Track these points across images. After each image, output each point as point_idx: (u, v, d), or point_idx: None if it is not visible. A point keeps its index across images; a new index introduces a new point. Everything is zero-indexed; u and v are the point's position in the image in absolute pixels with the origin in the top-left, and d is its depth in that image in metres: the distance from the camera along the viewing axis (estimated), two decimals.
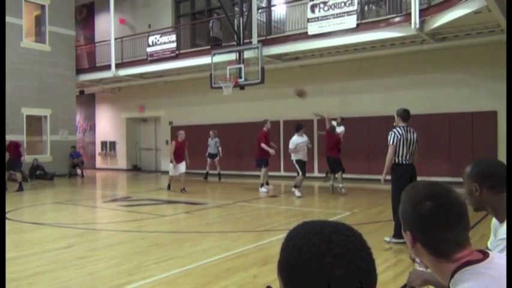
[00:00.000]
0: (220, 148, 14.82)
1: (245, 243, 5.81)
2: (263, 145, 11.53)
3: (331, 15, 12.28)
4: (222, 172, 15.05)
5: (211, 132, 14.90)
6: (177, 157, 11.77)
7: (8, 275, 4.57)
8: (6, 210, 8.79)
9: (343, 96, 14.23)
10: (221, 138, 15.19)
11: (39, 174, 16.12)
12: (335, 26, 12.23)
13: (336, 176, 10.86)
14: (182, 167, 11.82)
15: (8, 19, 16.15)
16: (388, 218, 6.29)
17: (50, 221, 7.93)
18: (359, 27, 11.95)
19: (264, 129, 11.77)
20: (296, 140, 10.58)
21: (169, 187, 12.22)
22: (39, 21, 18.05)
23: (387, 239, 5.66)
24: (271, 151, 11.55)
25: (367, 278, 0.80)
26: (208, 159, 14.87)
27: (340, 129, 11.73)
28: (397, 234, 5.43)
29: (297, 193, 10.41)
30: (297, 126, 10.77)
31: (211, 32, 15.61)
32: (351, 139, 12.86)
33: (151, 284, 4.25)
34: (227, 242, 5.99)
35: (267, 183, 12.03)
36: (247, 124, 15.70)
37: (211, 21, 15.97)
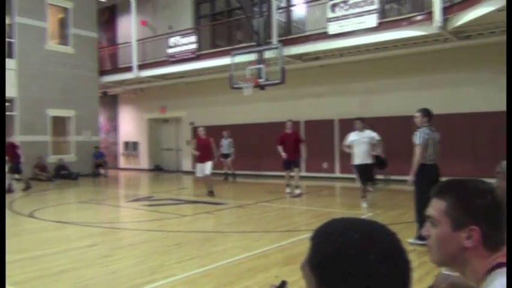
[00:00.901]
0: (233, 149, 14.89)
1: (266, 244, 5.81)
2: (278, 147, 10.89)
3: (352, 14, 12.19)
4: (241, 172, 15.11)
5: (224, 133, 15.00)
6: (200, 155, 10.82)
7: (34, 273, 4.70)
8: (33, 209, 9.01)
9: (364, 96, 14.10)
10: (241, 139, 15.25)
11: (64, 174, 16.45)
12: (355, 25, 12.14)
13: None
14: (207, 167, 10.75)
15: (33, 22, 16.56)
16: (411, 220, 6.22)
17: (75, 220, 8.09)
18: (380, 26, 11.83)
19: (286, 130, 10.95)
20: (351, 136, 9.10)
21: (211, 193, 10.90)
22: (63, 24, 18.42)
23: (411, 240, 5.58)
24: (283, 155, 10.74)
25: (408, 277, 0.81)
26: (222, 160, 14.97)
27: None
28: (421, 236, 5.34)
29: (364, 205, 8.72)
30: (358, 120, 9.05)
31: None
32: None
33: (173, 283, 4.30)
34: (248, 242, 6.01)
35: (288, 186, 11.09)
36: (268, 124, 15.71)
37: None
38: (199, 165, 10.95)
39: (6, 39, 16.84)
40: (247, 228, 7.10)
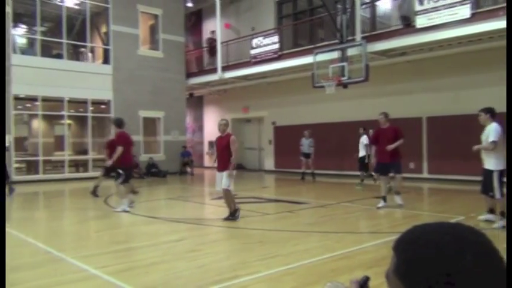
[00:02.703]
0: (313, 148, 14.73)
1: (349, 245, 5.69)
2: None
3: (442, 6, 11.52)
4: (322, 172, 14.94)
5: (305, 132, 14.90)
6: (217, 161, 7.89)
7: (126, 264, 5.02)
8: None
9: (455, 92, 13.27)
10: (323, 138, 15.09)
11: (154, 172, 17.40)
12: (446, 17, 11.45)
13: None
14: (225, 178, 7.67)
15: (127, 29, 17.71)
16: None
17: (164, 216, 8.53)
18: (474, 17, 11.05)
19: (381, 125, 9.15)
20: None
21: (232, 215, 7.73)
22: (153, 30, 19.51)
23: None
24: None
25: (504, 279, 0.76)
26: (303, 159, 14.88)
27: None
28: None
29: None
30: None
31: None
32: (465, 138, 11.95)
33: (256, 280, 4.35)
34: (331, 243, 5.93)
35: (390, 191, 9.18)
36: (351, 123, 15.38)
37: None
38: (217, 175, 7.87)
39: (104, 47, 18.21)
40: (329, 228, 7.00)
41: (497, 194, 6.51)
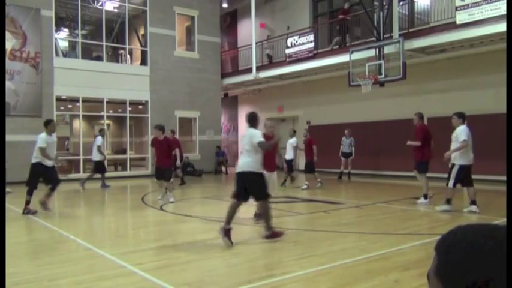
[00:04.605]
0: (353, 148, 14.55)
1: (385, 246, 5.58)
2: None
3: (484, 1, 11.12)
4: (357, 172, 14.74)
5: (346, 131, 14.74)
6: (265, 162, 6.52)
7: (163, 261, 5.11)
8: (163, 203, 9.81)
9: (497, 89, 12.78)
10: (358, 137, 14.88)
11: (190, 171, 17.64)
12: (488, 12, 11.05)
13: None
14: (273, 180, 7.85)
15: (164, 31, 18.03)
16: None
17: (199, 214, 8.62)
18: None
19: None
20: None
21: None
22: (189, 32, 19.78)
23: None
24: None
25: None
26: (342, 159, 14.71)
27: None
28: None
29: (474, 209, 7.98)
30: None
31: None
32: (502, 138, 11.52)
33: (291, 280, 4.33)
34: (366, 244, 5.83)
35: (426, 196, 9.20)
36: (387, 122, 15.10)
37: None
38: (269, 177, 7.26)
39: (142, 48, 18.61)
40: (365, 229, 6.89)
41: (451, 184, 7.91)
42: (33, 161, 8.40)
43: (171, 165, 10.58)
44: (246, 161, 5.97)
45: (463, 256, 0.77)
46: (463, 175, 7.89)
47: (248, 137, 6.00)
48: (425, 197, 9.14)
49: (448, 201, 8.07)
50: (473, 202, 8.03)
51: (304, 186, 12.45)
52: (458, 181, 7.94)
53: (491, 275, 0.73)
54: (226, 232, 5.70)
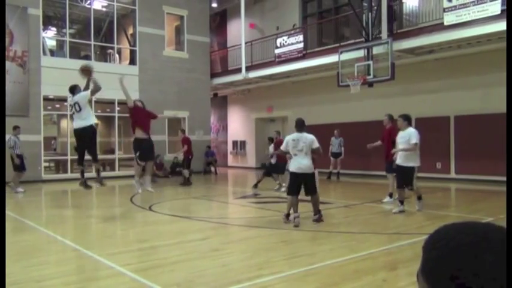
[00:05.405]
0: (343, 148, 14.62)
1: (373, 246, 5.62)
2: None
3: (471, 2, 11.24)
4: (347, 172, 14.82)
5: (335, 131, 14.80)
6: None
7: (152, 262, 5.09)
8: (152, 203, 9.76)
9: (485, 90, 12.95)
10: (347, 137, 14.94)
11: (179, 171, 17.55)
12: (476, 13, 11.18)
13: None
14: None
15: (153, 31, 17.94)
16: None
17: (188, 214, 8.60)
18: (504, 14, 10.75)
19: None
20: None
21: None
22: (178, 31, 19.71)
23: None
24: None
25: None
26: (332, 159, 14.77)
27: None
28: None
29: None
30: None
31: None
32: (494, 138, 11.66)
33: (280, 280, 4.34)
34: (355, 243, 5.87)
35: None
36: (375, 123, 15.17)
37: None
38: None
39: (130, 48, 18.49)
40: (354, 228, 6.93)
41: (414, 186, 8.06)
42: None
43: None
44: (307, 164, 7.00)
45: (443, 252, 0.79)
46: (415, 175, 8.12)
47: (309, 141, 7.05)
48: (391, 195, 9.52)
49: (419, 198, 8.29)
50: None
51: (277, 187, 12.23)
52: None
53: (468, 268, 0.75)
54: (295, 218, 6.90)
